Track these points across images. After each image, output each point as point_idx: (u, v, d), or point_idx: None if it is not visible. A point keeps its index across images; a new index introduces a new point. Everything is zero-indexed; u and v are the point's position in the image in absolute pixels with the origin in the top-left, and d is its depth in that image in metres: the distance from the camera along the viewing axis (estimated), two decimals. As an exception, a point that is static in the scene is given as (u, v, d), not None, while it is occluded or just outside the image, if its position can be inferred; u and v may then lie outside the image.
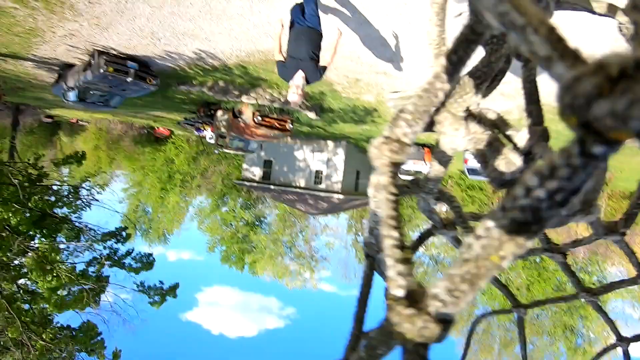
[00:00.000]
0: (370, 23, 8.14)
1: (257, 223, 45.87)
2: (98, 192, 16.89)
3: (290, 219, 44.10)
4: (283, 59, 6.17)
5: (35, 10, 10.14)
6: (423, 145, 20.54)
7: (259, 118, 17.14)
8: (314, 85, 9.69)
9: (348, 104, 14.69)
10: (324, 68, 6.17)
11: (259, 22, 9.21)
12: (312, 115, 15.74)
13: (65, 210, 15.58)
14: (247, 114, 17.49)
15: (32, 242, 14.02)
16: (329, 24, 6.73)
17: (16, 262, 14.22)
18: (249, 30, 9.78)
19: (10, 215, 11.59)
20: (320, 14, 6.49)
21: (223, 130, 20.24)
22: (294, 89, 5.99)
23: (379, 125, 16.63)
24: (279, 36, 6.27)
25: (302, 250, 45.32)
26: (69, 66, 15.20)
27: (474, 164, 17.67)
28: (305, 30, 6.28)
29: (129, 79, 13.02)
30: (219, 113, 19.93)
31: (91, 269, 15.86)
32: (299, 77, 5.97)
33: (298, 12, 6.44)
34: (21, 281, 14.88)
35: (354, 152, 25.40)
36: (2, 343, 13.92)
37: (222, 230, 45.93)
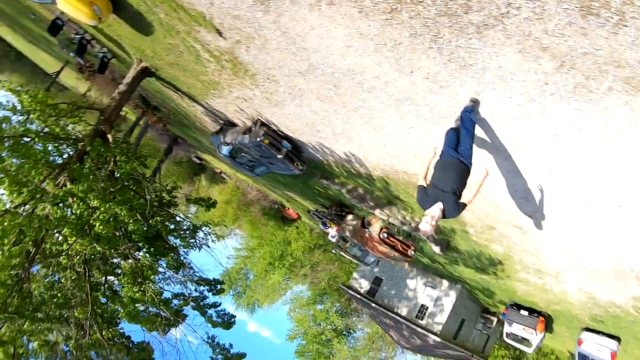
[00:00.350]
0: (519, 173, 8.79)
1: (345, 333, 47.32)
2: (213, 240, 19.11)
3: (378, 342, 44.56)
4: (425, 185, 6.88)
5: (224, 69, 13.12)
6: (539, 313, 19.48)
7: (385, 235, 18.31)
8: (448, 220, 10.54)
9: (475, 248, 15.06)
10: (464, 205, 6.68)
11: (413, 144, 10.54)
12: (437, 249, 16.38)
13: (178, 241, 17.91)
14: (375, 228, 18.86)
15: (137, 252, 16.48)
16: (476, 161, 7.52)
17: (115, 260, 16.93)
18: (401, 149, 11.20)
19: (131, 222, 14.07)
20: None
21: (347, 234, 21.98)
22: (429, 219, 6.51)
23: (500, 280, 16.57)
24: (428, 162, 7.12)
25: None
26: (232, 124, 18.66)
27: (589, 348, 16.82)
28: (455, 163, 6.96)
29: (279, 156, 15.45)
30: (349, 217, 21.90)
31: (175, 301, 17.77)
32: (437, 208, 6.55)
33: (452, 142, 7.21)
34: (110, 278, 17.51)
35: (465, 299, 25.42)
36: (66, 316, 16.27)
37: (309, 326, 48.15)
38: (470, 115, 7.34)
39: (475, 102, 7.46)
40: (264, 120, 15.66)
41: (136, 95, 28.87)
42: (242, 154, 18.13)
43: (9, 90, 14.70)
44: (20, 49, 59.56)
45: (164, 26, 12.57)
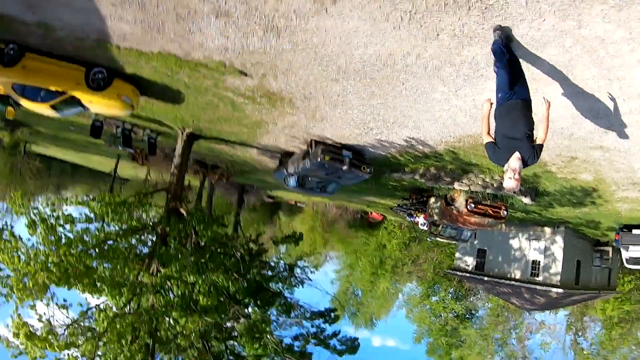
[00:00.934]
0: (580, 92, 8.37)
1: (467, 316, 46.82)
2: (311, 272, 19.36)
3: (503, 313, 43.92)
4: (493, 141, 6.42)
5: (261, 105, 13.33)
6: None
7: (472, 205, 17.96)
8: (528, 167, 10.19)
9: (564, 185, 14.47)
10: (540, 147, 6.25)
11: (465, 106, 10.25)
12: (527, 200, 15.85)
13: (279, 285, 18.22)
14: (460, 202, 18.49)
15: (246, 310, 16.89)
16: (532, 96, 7.04)
17: (228, 324, 17.37)
18: (455, 115, 10.92)
19: (230, 283, 14.44)
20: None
21: (436, 217, 21.69)
22: (510, 174, 6.10)
23: (600, 207, 15.87)
24: (486, 116, 6.59)
25: (514, 349, 44.16)
26: (289, 154, 18.88)
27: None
28: (516, 105, 6.48)
29: (344, 167, 15.46)
30: (432, 200, 21.55)
31: (297, 343, 18.08)
32: (515, 159, 6.10)
33: (503, 85, 6.66)
34: (230, 342, 17.92)
35: (573, 239, 24.82)
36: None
37: (431, 321, 47.75)
38: (502, 48, 6.77)
39: (501, 30, 6.92)
40: (317, 139, 15.74)
41: (192, 161, 29.81)
42: (309, 179, 18.34)
43: (78, 205, 15.50)
44: (73, 161, 63.25)
45: (192, 88, 12.94)
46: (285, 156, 19.55)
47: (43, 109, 14.07)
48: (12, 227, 14.50)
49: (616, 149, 10.65)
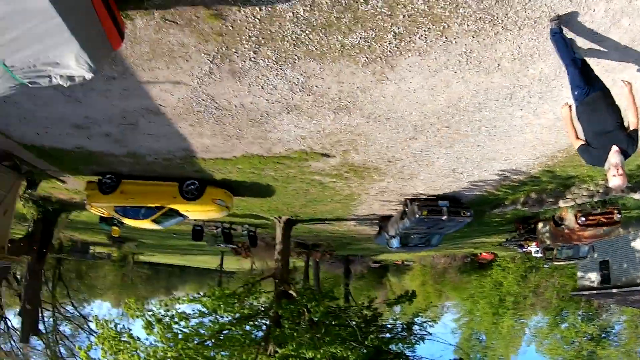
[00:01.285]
0: None
1: (603, 336, 43.00)
2: (430, 326, 18.77)
3: None
4: (585, 143, 6.07)
5: (348, 179, 13.64)
6: None
7: (583, 219, 17.14)
8: (630, 160, 9.54)
9: None
10: (636, 132, 5.88)
11: (548, 123, 9.97)
12: (638, 196, 14.74)
13: (399, 345, 17.78)
14: (569, 219, 17.71)
15: None
16: (609, 81, 6.77)
17: None
18: (541, 134, 10.61)
19: (349, 353, 14.29)
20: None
21: (548, 242, 20.88)
22: (613, 171, 5.73)
23: None
24: (569, 121, 6.33)
25: None
26: (387, 217, 19.06)
27: None
28: (597, 97, 6.11)
29: (444, 217, 15.38)
30: (540, 225, 20.74)
31: None
32: (614, 154, 5.75)
33: (577, 80, 6.31)
34: None
35: None
36: None
37: (564, 350, 44.36)
38: (562, 36, 6.49)
39: (559, 19, 6.51)
40: (411, 197, 15.83)
41: (293, 245, 30.49)
42: (412, 236, 18.34)
43: (190, 302, 16.21)
44: (179, 263, 66.34)
45: (279, 179, 13.52)
46: (383, 220, 19.69)
47: (145, 224, 15.18)
48: (129, 329, 15.23)
49: None
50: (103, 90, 8.16)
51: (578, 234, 18.57)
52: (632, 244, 26.03)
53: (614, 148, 5.75)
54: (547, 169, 13.26)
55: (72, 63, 4.60)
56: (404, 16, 6.39)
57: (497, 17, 6.53)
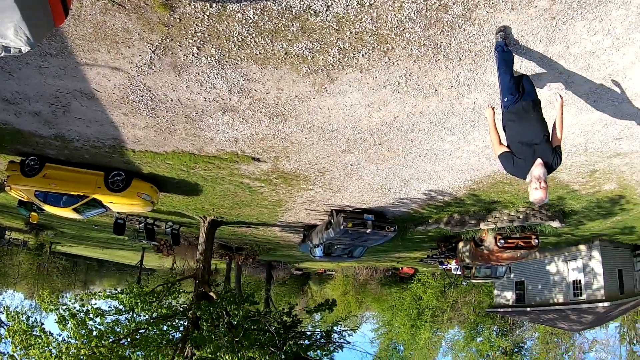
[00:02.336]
0: (584, 108, 8.46)
1: (515, 350, 45.78)
2: (349, 334, 19.03)
3: (552, 340, 42.93)
4: (508, 150, 5.90)
5: (277, 186, 13.64)
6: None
7: (502, 241, 17.89)
8: (550, 192, 10.08)
9: (590, 200, 14.40)
10: (559, 147, 5.84)
11: (477, 149, 10.47)
12: (555, 224, 15.78)
13: (318, 353, 17.92)
14: (489, 240, 18.47)
15: None
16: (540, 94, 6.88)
17: None
18: (469, 160, 11.12)
19: (267, 358, 14.25)
20: None
21: (468, 260, 21.67)
22: (535, 184, 5.58)
23: (631, 212, 15.66)
24: (493, 123, 6.17)
25: None
26: (312, 226, 19.11)
27: None
28: (528, 106, 6.04)
29: (368, 230, 15.63)
30: (460, 245, 21.53)
31: None
32: (538, 166, 5.62)
33: (508, 88, 6.23)
34: None
35: (610, 250, 24.36)
36: None
37: None
38: (504, 48, 6.49)
39: (503, 31, 6.49)
40: (337, 209, 16.01)
41: (216, 246, 30.07)
42: (335, 247, 18.49)
43: (107, 298, 15.70)
44: (99, 257, 64.06)
45: (208, 179, 13.32)
46: (309, 229, 19.77)
47: (66, 212, 14.56)
48: (42, 323, 14.61)
49: (633, 151, 10.67)
50: (38, 66, 7.78)
51: (497, 255, 19.40)
52: (547, 267, 27.55)
53: (539, 160, 5.64)
54: (472, 193, 13.87)
55: (10, 33, 4.35)
56: (351, 33, 6.51)
57: (440, 46, 6.80)
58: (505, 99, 6.21)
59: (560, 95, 6.42)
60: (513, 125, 6.02)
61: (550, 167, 5.73)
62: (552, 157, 5.72)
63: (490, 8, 6.08)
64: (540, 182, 5.55)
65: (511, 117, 6.06)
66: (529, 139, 5.77)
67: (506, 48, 6.51)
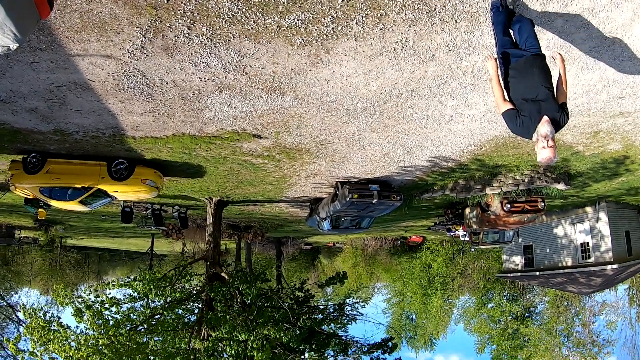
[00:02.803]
0: (585, 67, 8.38)
1: (527, 315, 46.23)
2: (362, 306, 19.27)
3: (563, 303, 43.38)
4: (512, 107, 5.56)
5: (280, 161, 13.61)
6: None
7: (508, 206, 17.92)
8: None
9: (595, 161, 14.37)
10: (565, 104, 5.57)
11: (478, 113, 10.40)
12: (561, 186, 15.73)
13: (332, 326, 18.17)
14: (495, 205, 18.49)
15: (302, 356, 16.77)
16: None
17: None
18: (471, 124, 11.04)
19: (282, 334, 14.46)
20: None
21: (475, 226, 21.72)
22: (543, 142, 5.31)
23: (636, 172, 15.68)
24: (496, 78, 5.80)
25: (581, 337, 43.07)
26: (318, 200, 19.19)
27: None
28: (531, 60, 5.70)
29: (374, 201, 15.69)
30: (467, 211, 21.62)
31: None
32: (545, 123, 5.33)
33: (507, 43, 6.03)
34: None
35: (617, 211, 24.49)
36: None
37: (491, 329, 47.20)
38: (499, 9, 6.31)
39: None
40: (342, 180, 16.01)
41: (225, 226, 30.26)
42: (343, 219, 18.56)
43: (120, 287, 15.87)
44: (109, 247, 64.67)
45: (211, 160, 13.29)
46: (315, 202, 19.84)
47: (72, 205, 14.62)
48: (59, 318, 14.80)
49: (637, 110, 10.58)
50: (29, 62, 7.70)
51: (503, 220, 19.48)
52: (555, 230, 27.56)
53: (545, 118, 5.36)
54: (476, 158, 13.81)
55: (-3, 32, 4.31)
56: (343, 1, 6.39)
57: (435, 9, 6.67)
58: (509, 52, 5.94)
59: (559, 53, 6.11)
60: (515, 81, 5.68)
61: (557, 124, 5.45)
62: (559, 114, 5.44)
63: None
64: (547, 141, 5.28)
65: (513, 73, 5.72)
66: (533, 95, 5.46)
67: (501, 9, 6.34)
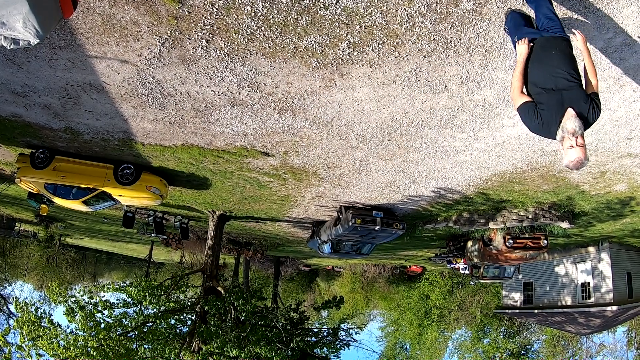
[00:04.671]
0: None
1: (522, 352, 45.80)
2: (356, 332, 19.11)
3: (560, 343, 42.75)
4: (530, 100, 4.58)
5: (286, 181, 13.64)
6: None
7: (511, 241, 17.79)
8: (559, 192, 9.80)
9: (600, 201, 14.29)
10: (595, 95, 4.52)
11: (486, 147, 10.40)
12: (565, 225, 15.65)
13: (325, 350, 18.00)
14: (498, 240, 18.36)
15: None
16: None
17: None
18: (479, 157, 11.05)
19: (274, 354, 14.31)
20: None
21: (476, 260, 21.55)
22: (570, 140, 4.31)
23: None
24: (523, 63, 4.76)
25: None
26: (320, 222, 19.13)
27: None
28: (551, 41, 4.76)
29: (377, 227, 15.64)
30: (469, 244, 21.45)
31: None
32: (572, 117, 4.30)
33: (521, 24, 5.25)
34: None
35: (620, 253, 24.15)
36: None
37: None
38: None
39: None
40: (346, 205, 16.00)
41: (225, 241, 30.22)
42: (344, 243, 18.50)
43: (115, 291, 15.82)
44: (108, 250, 64.63)
45: (217, 173, 13.34)
46: (317, 225, 19.82)
47: (75, 205, 14.67)
48: (50, 315, 14.71)
49: None
50: (48, 58, 7.80)
51: (505, 255, 19.34)
52: (556, 269, 27.37)
53: (570, 111, 4.33)
54: (482, 191, 13.78)
55: (19, 25, 4.36)
56: (361, 27, 6.47)
57: (451, 41, 6.73)
58: (525, 32, 5.03)
59: (577, 31, 5.01)
60: (531, 67, 4.70)
61: (585, 121, 4.40)
62: (588, 107, 4.40)
63: (502, 3, 6.01)
64: (576, 138, 4.28)
65: (532, 57, 4.76)
66: (553, 83, 4.48)
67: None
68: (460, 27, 6.45)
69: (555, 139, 4.49)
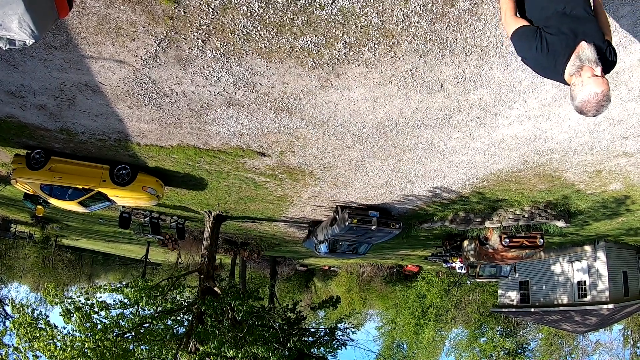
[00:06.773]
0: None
1: (519, 351, 46.01)
2: (353, 332, 19.13)
3: (556, 341, 43.15)
4: (527, 24, 3.66)
5: (282, 181, 13.64)
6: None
7: (507, 240, 17.84)
8: (555, 191, 9.78)
9: (596, 200, 14.36)
10: (610, 42, 3.66)
11: (482, 146, 10.42)
12: (561, 224, 15.73)
13: (321, 350, 18.02)
14: (494, 239, 18.44)
15: None
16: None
17: None
18: (474, 156, 11.07)
19: (271, 354, 14.33)
20: None
21: (472, 259, 21.66)
22: (588, 71, 3.36)
23: (637, 213, 15.66)
24: None
25: None
26: (317, 222, 19.15)
27: None
28: None
29: (373, 227, 15.68)
30: (465, 243, 21.56)
31: None
32: (590, 46, 3.42)
33: None
34: None
35: (615, 251, 24.40)
36: None
37: None
38: None
39: None
40: (343, 205, 16.02)
41: (221, 241, 30.19)
42: (340, 243, 18.53)
43: (111, 292, 15.79)
44: (104, 250, 64.55)
45: (213, 174, 13.33)
46: (314, 225, 19.82)
47: (71, 206, 14.64)
48: (46, 316, 14.74)
49: (638, 151, 10.63)
50: (43, 59, 7.77)
51: (501, 254, 19.45)
52: (552, 267, 27.58)
53: (585, 43, 3.43)
54: (478, 191, 13.83)
55: (14, 26, 4.34)
56: (357, 27, 6.47)
57: (447, 41, 6.74)
58: None
59: None
60: None
61: (604, 57, 3.49)
62: (606, 46, 3.55)
63: (497, 4, 6.02)
64: (594, 67, 3.35)
65: None
66: (561, 5, 3.55)
67: None
68: (456, 27, 6.45)
69: (557, 77, 3.63)
